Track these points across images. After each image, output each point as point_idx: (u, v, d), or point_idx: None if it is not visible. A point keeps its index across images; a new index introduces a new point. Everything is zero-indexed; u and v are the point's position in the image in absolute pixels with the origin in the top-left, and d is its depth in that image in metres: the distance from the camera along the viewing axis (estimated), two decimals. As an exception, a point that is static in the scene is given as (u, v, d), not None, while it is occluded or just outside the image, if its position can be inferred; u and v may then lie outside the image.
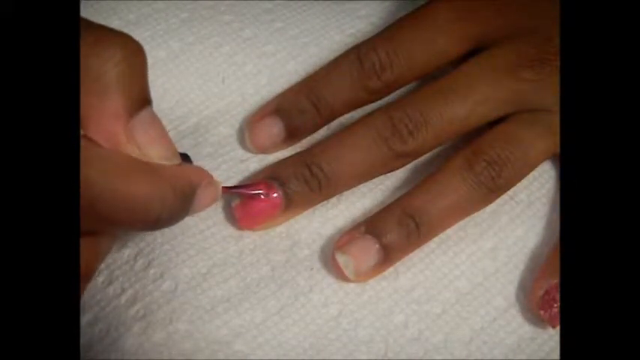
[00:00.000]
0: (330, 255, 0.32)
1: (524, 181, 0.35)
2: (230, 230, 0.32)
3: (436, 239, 0.33)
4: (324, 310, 0.31)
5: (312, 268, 0.32)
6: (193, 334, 0.29)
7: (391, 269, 0.32)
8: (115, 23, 0.38)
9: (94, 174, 0.22)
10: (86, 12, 0.37)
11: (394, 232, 0.31)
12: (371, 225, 0.31)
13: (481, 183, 0.31)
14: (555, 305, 0.30)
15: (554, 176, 0.35)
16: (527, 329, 0.31)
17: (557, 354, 0.31)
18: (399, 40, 0.33)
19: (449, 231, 0.33)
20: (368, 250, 0.31)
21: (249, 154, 0.35)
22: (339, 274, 0.31)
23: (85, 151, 0.22)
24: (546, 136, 0.32)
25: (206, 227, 0.32)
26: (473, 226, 0.33)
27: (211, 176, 0.27)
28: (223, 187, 0.29)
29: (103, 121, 0.23)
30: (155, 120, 0.25)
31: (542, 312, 0.30)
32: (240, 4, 0.40)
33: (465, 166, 0.31)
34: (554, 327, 0.30)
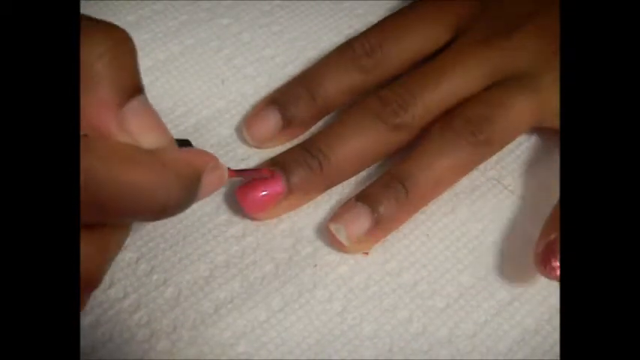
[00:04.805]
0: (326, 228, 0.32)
1: (526, 177, 0.35)
2: (232, 231, 0.33)
3: (439, 234, 0.33)
4: (328, 306, 0.31)
5: (315, 265, 0.32)
6: (197, 340, 0.30)
7: (394, 265, 0.32)
8: (114, 25, 0.38)
9: (96, 164, 0.21)
10: (86, 13, 0.37)
11: (382, 195, 0.32)
12: (361, 193, 0.32)
13: (461, 138, 0.32)
14: (554, 259, 0.29)
15: (556, 173, 0.35)
16: (530, 322, 0.31)
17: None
18: (388, 29, 0.35)
19: (451, 226, 0.33)
20: (359, 216, 0.31)
21: (250, 153, 0.35)
22: (336, 244, 0.32)
23: (86, 142, 0.22)
24: (525, 95, 0.33)
25: (207, 231, 0.33)
26: (475, 222, 0.34)
27: (216, 159, 0.26)
28: (230, 170, 0.28)
29: (93, 114, 0.22)
30: (147, 108, 0.24)
31: (541, 267, 0.30)
32: (238, 5, 0.40)
33: (444, 127, 0.33)
34: (556, 280, 0.30)
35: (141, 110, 0.23)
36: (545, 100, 0.33)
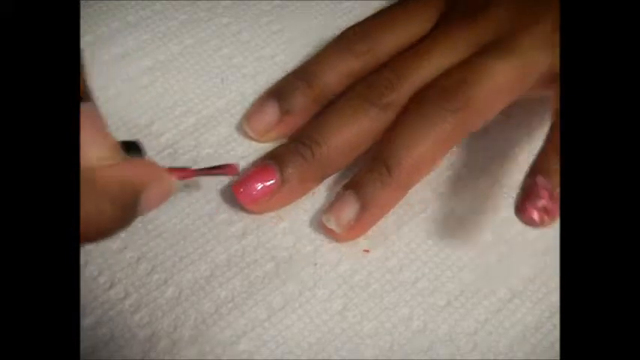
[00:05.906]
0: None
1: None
2: (232, 230, 0.33)
3: (439, 233, 0.33)
4: (328, 305, 0.31)
5: (315, 263, 0.32)
6: (198, 339, 0.30)
7: (395, 262, 0.32)
8: (113, 25, 0.38)
9: None
10: (86, 13, 0.38)
11: (366, 179, 0.32)
12: (348, 181, 0.33)
13: (438, 106, 0.32)
14: (528, 203, 0.28)
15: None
16: (531, 319, 0.31)
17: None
18: (378, 21, 0.36)
19: (452, 224, 0.33)
20: (346, 203, 0.32)
21: (250, 151, 0.35)
22: (331, 236, 0.32)
23: None
24: (504, 57, 0.33)
25: (208, 230, 0.33)
26: (475, 220, 0.34)
27: (161, 171, 0.25)
28: (191, 170, 0.29)
29: None
30: (91, 117, 0.23)
31: (518, 213, 0.28)
32: (237, 5, 0.40)
33: (420, 100, 0.33)
34: (535, 226, 0.28)
35: (83, 120, 0.22)
36: (524, 61, 0.33)
